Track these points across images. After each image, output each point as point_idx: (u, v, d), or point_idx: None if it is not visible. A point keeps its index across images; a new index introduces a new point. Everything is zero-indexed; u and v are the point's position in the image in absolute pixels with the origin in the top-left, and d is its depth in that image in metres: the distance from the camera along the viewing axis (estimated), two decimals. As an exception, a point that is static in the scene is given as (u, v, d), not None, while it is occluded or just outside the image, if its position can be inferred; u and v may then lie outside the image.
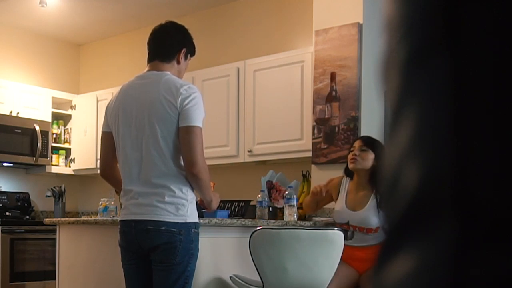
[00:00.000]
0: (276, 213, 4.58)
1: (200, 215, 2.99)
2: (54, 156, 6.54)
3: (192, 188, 2.80)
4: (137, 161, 2.78)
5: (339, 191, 3.87)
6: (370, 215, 3.65)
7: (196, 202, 2.87)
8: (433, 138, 0.39)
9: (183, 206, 2.73)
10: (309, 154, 4.63)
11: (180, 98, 2.73)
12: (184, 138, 2.73)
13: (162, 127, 2.74)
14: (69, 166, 6.68)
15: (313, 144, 4.58)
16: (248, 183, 5.40)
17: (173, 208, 2.72)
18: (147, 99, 2.79)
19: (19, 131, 6.10)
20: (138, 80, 2.88)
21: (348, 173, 3.84)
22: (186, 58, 2.95)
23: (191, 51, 2.99)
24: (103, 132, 2.96)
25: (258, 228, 3.17)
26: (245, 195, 5.13)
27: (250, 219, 3.87)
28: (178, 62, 2.91)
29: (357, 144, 3.77)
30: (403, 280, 0.39)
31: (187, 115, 2.73)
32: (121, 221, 2.84)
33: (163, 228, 2.70)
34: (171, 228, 2.70)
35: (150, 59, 2.92)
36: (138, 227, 2.75)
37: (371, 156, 3.66)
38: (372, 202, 3.67)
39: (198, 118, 2.75)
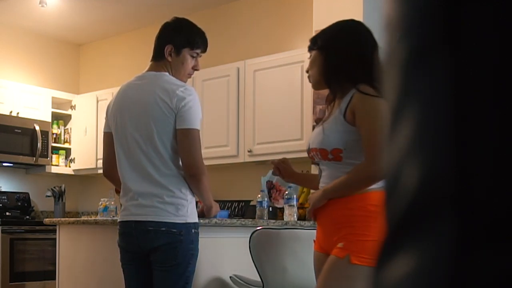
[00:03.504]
0: (276, 213, 4.58)
1: (201, 215, 2.99)
2: (54, 156, 6.54)
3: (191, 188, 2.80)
4: (136, 162, 2.78)
5: None
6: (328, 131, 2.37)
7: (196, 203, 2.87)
8: (433, 138, 0.39)
9: (183, 207, 2.73)
10: (309, 154, 4.63)
11: (176, 100, 2.71)
12: (182, 141, 2.72)
13: (159, 128, 2.74)
14: (69, 166, 6.68)
15: (313, 144, 4.58)
16: (248, 183, 5.40)
17: (173, 209, 2.71)
18: (144, 100, 2.78)
19: (19, 131, 6.10)
20: (137, 81, 2.88)
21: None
22: (178, 53, 2.83)
23: (185, 44, 2.84)
24: (104, 133, 2.96)
25: (258, 228, 3.17)
26: (245, 195, 5.13)
27: (250, 219, 3.87)
28: (169, 60, 2.84)
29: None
30: (403, 280, 0.39)
31: (184, 118, 2.71)
32: (121, 222, 2.84)
33: (163, 228, 2.70)
34: (171, 229, 2.70)
35: (151, 60, 2.92)
36: (138, 228, 2.75)
37: (316, 58, 2.44)
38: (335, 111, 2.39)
39: (195, 120, 2.74)
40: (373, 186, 2.22)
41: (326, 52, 2.39)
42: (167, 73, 2.83)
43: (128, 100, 2.84)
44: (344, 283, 2.20)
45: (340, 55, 2.36)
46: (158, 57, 2.86)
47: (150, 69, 2.88)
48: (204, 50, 2.93)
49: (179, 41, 2.85)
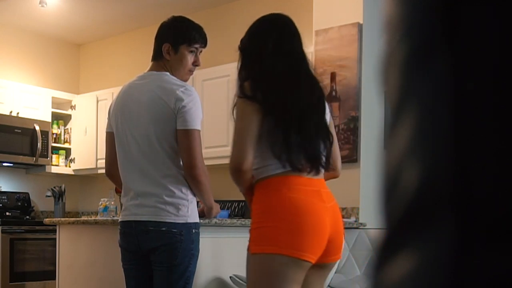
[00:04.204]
0: (276, 213, 4.57)
1: (201, 215, 2.99)
2: (54, 156, 6.54)
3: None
4: (136, 161, 2.78)
5: None
6: None
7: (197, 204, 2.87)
8: (433, 138, 0.39)
9: (183, 207, 2.73)
10: (309, 154, 4.62)
11: (175, 100, 2.70)
12: (182, 142, 2.72)
13: (159, 128, 2.73)
14: (69, 166, 6.68)
15: (313, 144, 4.57)
16: (248, 183, 5.39)
17: (173, 209, 2.71)
18: (144, 99, 2.78)
19: (19, 131, 6.10)
20: (138, 80, 2.88)
21: None
22: (176, 51, 2.82)
23: (182, 40, 2.83)
24: (106, 133, 2.95)
25: (258, 228, 3.17)
26: (245, 195, 5.11)
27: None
28: (167, 59, 2.83)
29: None
30: (403, 280, 0.39)
31: (184, 118, 2.71)
32: (121, 222, 2.84)
33: (164, 228, 2.70)
34: (172, 229, 2.70)
35: (151, 60, 2.92)
36: (138, 228, 2.74)
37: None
38: None
39: (196, 120, 2.73)
40: (268, 173, 2.29)
41: (239, 54, 2.47)
42: (167, 73, 2.82)
43: (129, 100, 2.84)
44: (250, 273, 2.32)
45: (243, 58, 2.44)
46: (158, 57, 2.86)
47: (151, 69, 2.88)
48: (203, 44, 2.89)
49: (175, 39, 2.83)
